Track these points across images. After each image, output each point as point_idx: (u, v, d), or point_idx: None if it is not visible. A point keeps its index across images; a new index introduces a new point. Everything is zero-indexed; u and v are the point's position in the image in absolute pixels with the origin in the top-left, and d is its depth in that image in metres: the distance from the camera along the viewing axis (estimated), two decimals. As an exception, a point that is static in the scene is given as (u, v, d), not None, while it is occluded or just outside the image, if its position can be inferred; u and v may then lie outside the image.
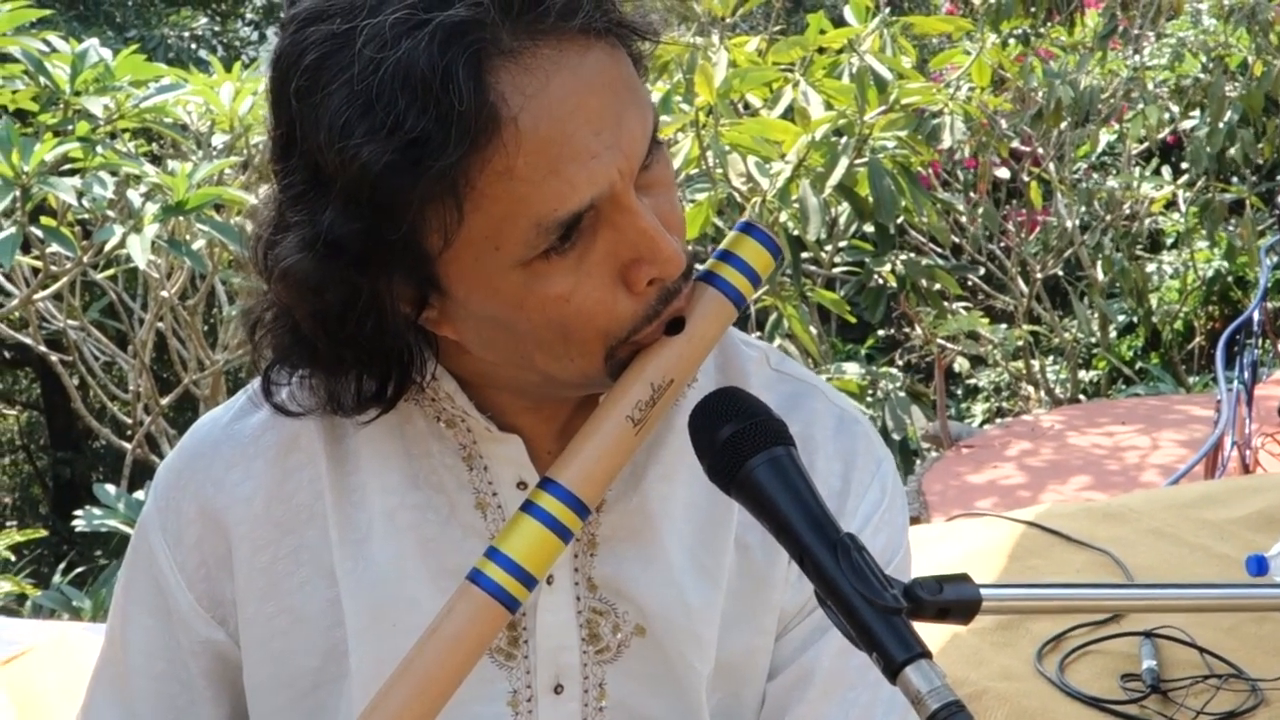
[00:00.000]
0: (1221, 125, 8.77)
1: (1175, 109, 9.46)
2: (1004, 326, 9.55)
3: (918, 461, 7.00)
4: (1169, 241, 10.84)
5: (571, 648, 1.43)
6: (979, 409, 10.32)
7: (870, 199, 7.17)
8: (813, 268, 7.99)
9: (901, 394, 7.76)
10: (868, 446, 1.48)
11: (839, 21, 6.98)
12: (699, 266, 1.37)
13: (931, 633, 2.55)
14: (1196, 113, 9.42)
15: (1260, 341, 6.36)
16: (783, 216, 7.04)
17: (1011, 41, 8.80)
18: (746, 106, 7.26)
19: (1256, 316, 6.21)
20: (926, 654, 1.06)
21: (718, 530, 1.43)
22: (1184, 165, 9.89)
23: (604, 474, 1.30)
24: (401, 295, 1.27)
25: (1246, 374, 5.90)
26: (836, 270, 8.30)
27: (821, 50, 6.79)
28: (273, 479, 1.44)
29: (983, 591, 1.14)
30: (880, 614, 1.07)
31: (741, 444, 1.19)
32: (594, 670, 1.43)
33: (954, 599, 1.11)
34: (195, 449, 1.48)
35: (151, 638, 1.49)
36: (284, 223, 1.25)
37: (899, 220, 8.37)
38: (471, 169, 1.17)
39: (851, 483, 1.45)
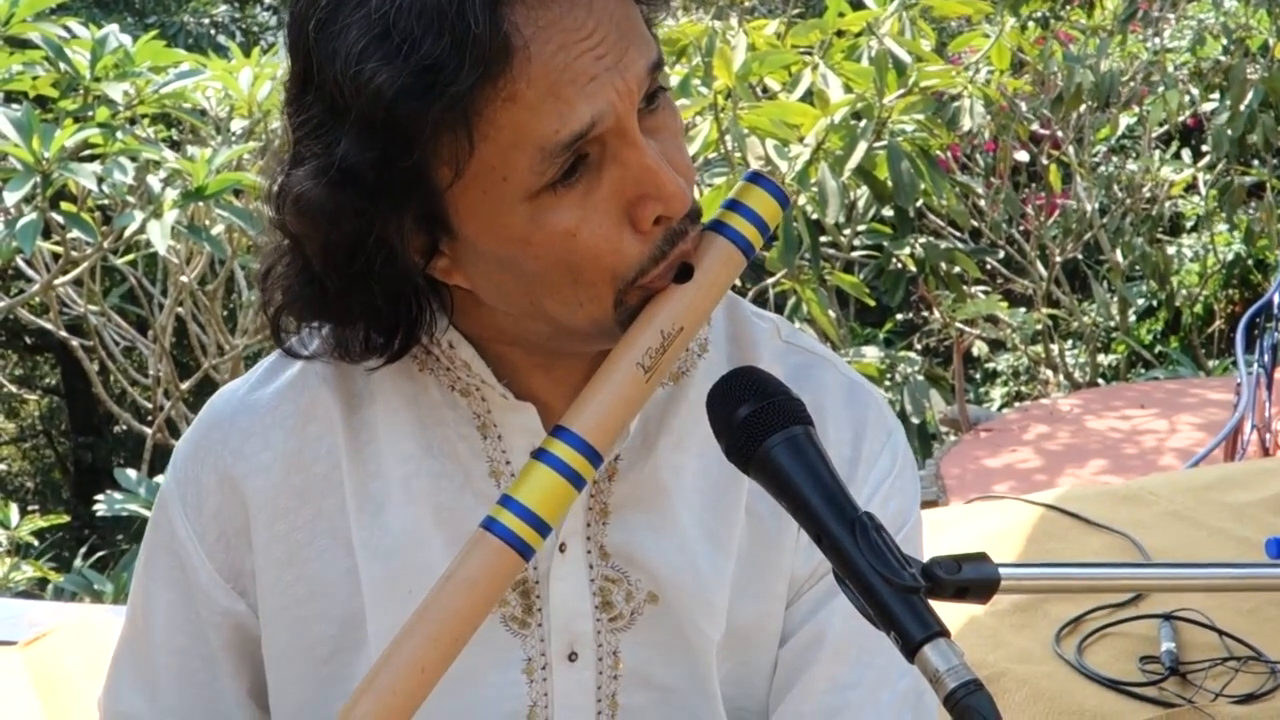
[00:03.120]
0: (1242, 108, 8.72)
1: (1195, 92, 9.42)
2: (1023, 310, 9.54)
3: (936, 445, 7.00)
4: (1189, 225, 10.80)
5: (585, 615, 1.44)
6: (998, 393, 10.29)
7: (889, 182, 7.16)
8: (832, 251, 7.98)
9: (920, 378, 7.76)
10: (879, 416, 1.49)
11: (858, 4, 6.96)
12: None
13: (950, 615, 2.55)
14: (1216, 96, 9.37)
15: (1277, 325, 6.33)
16: (801, 199, 7.03)
17: (1031, 24, 8.77)
18: (765, 90, 7.25)
19: (1277, 299, 6.18)
20: (945, 633, 1.06)
21: (728, 498, 1.44)
22: (1204, 148, 9.84)
23: (615, 421, 1.31)
24: (412, 240, 1.28)
25: (1266, 357, 5.87)
26: (855, 254, 8.29)
27: (840, 33, 6.77)
28: (290, 448, 1.45)
29: (1001, 571, 1.14)
30: (898, 593, 1.07)
31: (759, 424, 1.19)
32: (608, 638, 1.44)
33: (972, 578, 1.11)
34: (213, 420, 1.50)
35: (173, 612, 1.50)
36: (299, 158, 1.27)
37: (918, 204, 8.36)
38: (481, 97, 1.19)
39: (862, 451, 1.46)
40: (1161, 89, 9.18)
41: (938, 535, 3.03)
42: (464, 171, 1.23)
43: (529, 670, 1.44)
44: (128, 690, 1.54)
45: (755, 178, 1.37)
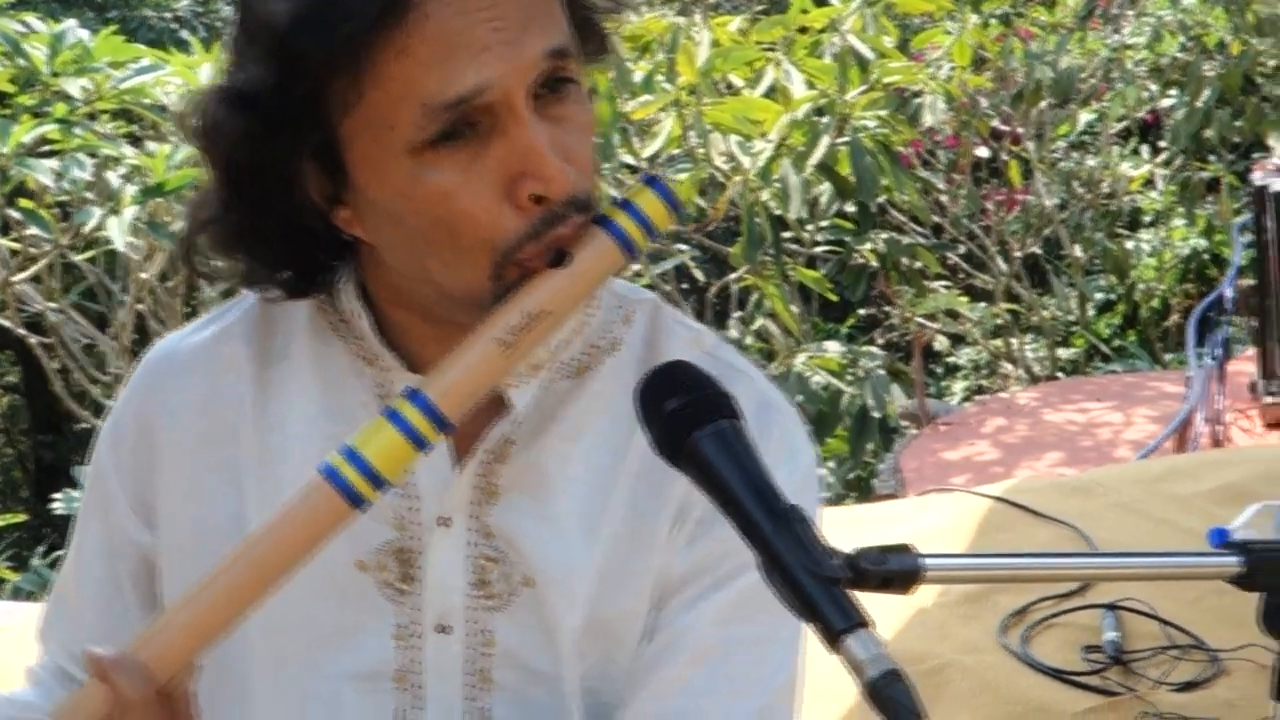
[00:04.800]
0: (1199, 104, 8.79)
1: (1154, 88, 9.48)
2: (983, 305, 9.59)
3: (896, 439, 7.04)
4: (1147, 220, 10.87)
5: (458, 589, 1.46)
6: (959, 387, 10.34)
7: (851, 178, 7.18)
8: (794, 246, 8.00)
9: (881, 372, 7.78)
10: (783, 434, 1.49)
11: (821, 1, 6.98)
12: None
13: (897, 607, 2.58)
14: (1175, 92, 9.44)
15: (1232, 318, 6.39)
16: (764, 195, 7.05)
17: (993, 21, 8.82)
18: (729, 86, 7.26)
19: (1229, 294, 6.24)
20: (866, 623, 1.08)
21: (612, 493, 1.46)
22: (1162, 144, 9.92)
23: (466, 390, 1.33)
24: (313, 180, 1.35)
25: (1218, 351, 5.93)
26: (818, 249, 8.31)
27: (804, 30, 6.78)
28: (203, 394, 1.52)
29: (929, 562, 1.16)
30: (822, 584, 1.09)
31: (687, 416, 1.21)
32: (480, 615, 1.46)
33: (896, 569, 1.13)
34: (145, 364, 1.59)
35: (96, 541, 1.58)
36: (215, 87, 1.36)
37: (880, 199, 8.39)
38: (376, 44, 1.25)
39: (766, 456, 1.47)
40: (1120, 85, 9.24)
41: (889, 528, 3.06)
42: (354, 114, 1.29)
43: (400, 636, 1.47)
44: (53, 619, 1.64)
45: (650, 180, 1.40)
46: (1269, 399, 5.83)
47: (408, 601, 1.47)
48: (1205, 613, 2.16)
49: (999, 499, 2.96)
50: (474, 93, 1.27)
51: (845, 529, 2.95)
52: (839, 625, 1.06)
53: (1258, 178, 6.62)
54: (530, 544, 1.46)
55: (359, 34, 1.24)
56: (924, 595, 2.53)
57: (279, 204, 1.35)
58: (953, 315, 9.17)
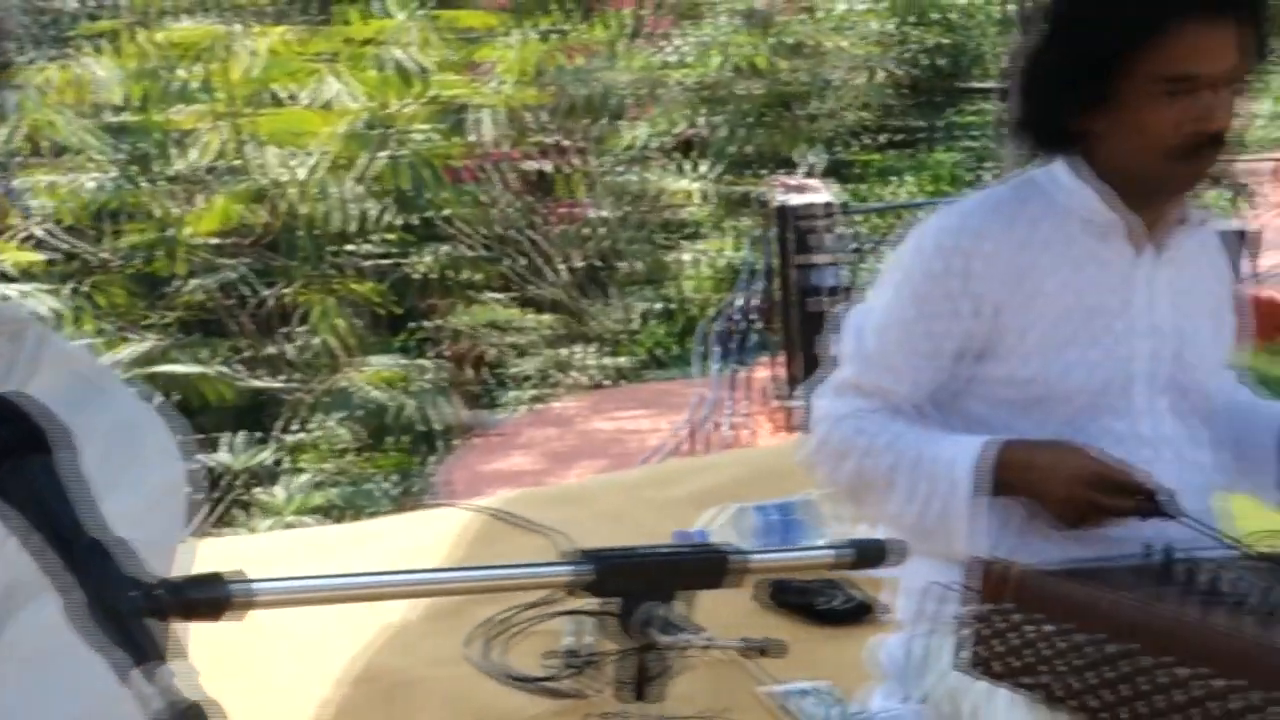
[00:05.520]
0: (739, 121, 9.22)
1: (699, 106, 9.86)
2: (539, 316, 9.76)
3: (446, 452, 7.10)
4: (694, 232, 11.26)
5: None
6: (516, 397, 10.46)
7: (404, 191, 7.18)
8: (347, 260, 7.94)
9: (436, 384, 7.83)
10: (138, 456, 1.48)
11: (378, 14, 6.97)
12: None
13: (367, 622, 2.59)
14: (717, 110, 9.85)
15: (754, 326, 6.73)
16: (311, 209, 6.98)
17: (551, 38, 9.02)
18: (275, 98, 7.14)
19: (744, 302, 6.57)
20: (160, 658, 1.08)
21: None
22: (705, 159, 10.30)
23: None
24: None
25: (741, 357, 6.25)
26: (372, 263, 8.28)
27: (359, 42, 6.77)
28: None
29: (238, 589, 1.16)
30: (118, 617, 1.09)
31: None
32: None
33: (198, 597, 1.14)
34: None
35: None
36: None
37: (435, 212, 8.44)
38: None
39: (105, 481, 1.46)
40: (666, 102, 9.58)
41: (370, 545, 3.06)
42: None
43: None
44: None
45: None
46: (784, 402, 6.16)
47: None
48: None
49: (488, 511, 3.02)
50: None
51: (328, 551, 2.94)
52: (129, 659, 1.07)
53: (775, 194, 7.01)
54: None
55: None
56: (393, 611, 2.57)
57: None
58: (509, 327, 9.30)
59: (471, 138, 7.49)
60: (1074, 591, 1.68)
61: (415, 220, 8.34)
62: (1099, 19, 1.94)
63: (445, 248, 8.74)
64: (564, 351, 9.90)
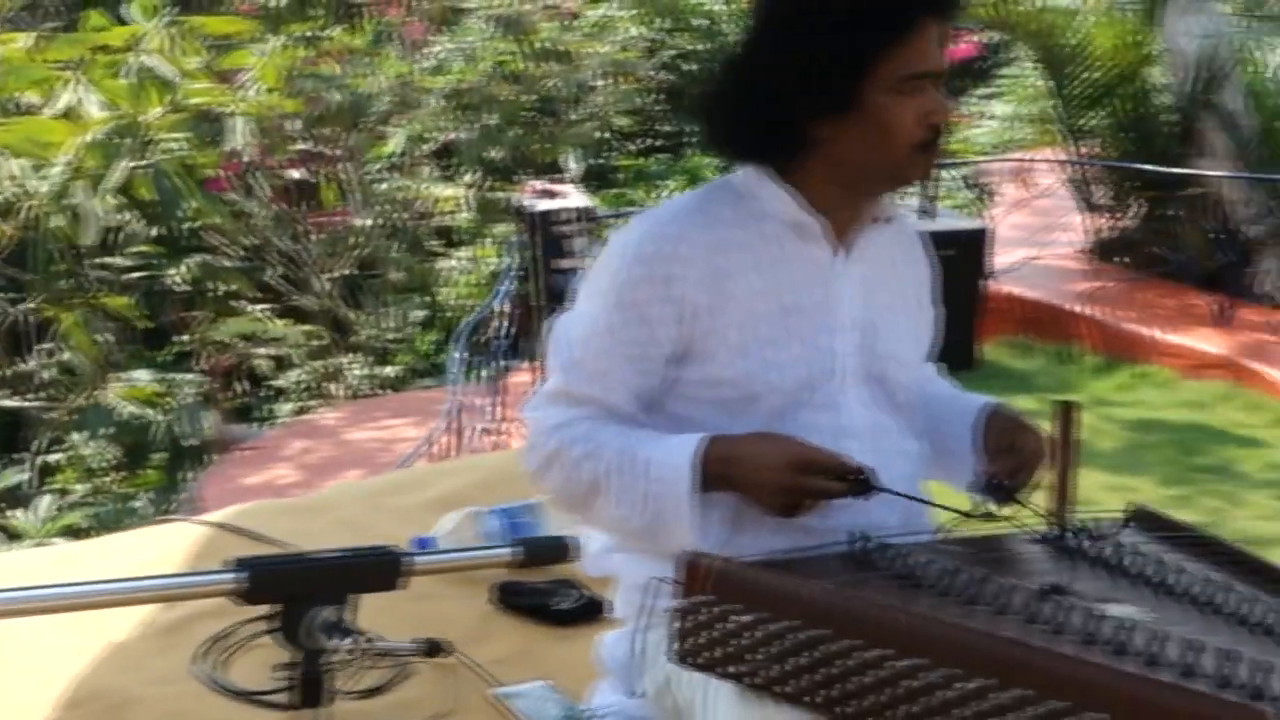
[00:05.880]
0: (498, 128, 9.25)
1: (457, 113, 9.85)
2: (304, 326, 9.62)
3: (204, 467, 6.98)
4: (460, 239, 11.24)
5: None
6: (284, 409, 10.29)
7: (155, 202, 7.04)
8: (101, 273, 7.74)
9: (195, 399, 7.68)
10: None
11: (123, 20, 6.80)
12: None
13: (90, 641, 2.55)
14: (475, 116, 9.85)
15: (507, 333, 6.78)
16: (58, 221, 6.80)
17: (305, 44, 8.91)
18: (19, 106, 6.94)
19: (501, 307, 6.61)
20: None
21: None
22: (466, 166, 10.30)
23: None
24: None
25: (496, 363, 6.28)
26: (129, 276, 8.08)
27: (104, 48, 6.59)
28: None
29: None
30: None
31: None
32: None
33: None
34: None
35: None
36: None
37: (191, 223, 8.27)
38: None
39: None
40: (421, 108, 9.55)
41: (90, 563, 3.01)
42: None
43: None
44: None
45: None
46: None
47: None
48: (397, 619, 2.29)
49: (218, 525, 2.99)
50: None
51: (37, 572, 2.87)
52: None
53: (524, 199, 7.07)
54: None
55: None
56: (119, 628, 2.53)
57: None
58: (272, 339, 9.16)
59: (232, 145, 7.37)
60: (770, 581, 1.74)
61: (174, 232, 8.18)
62: (833, 28, 1.97)
63: (200, 258, 8.56)
64: (331, 362, 9.79)
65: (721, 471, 1.95)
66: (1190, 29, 8.67)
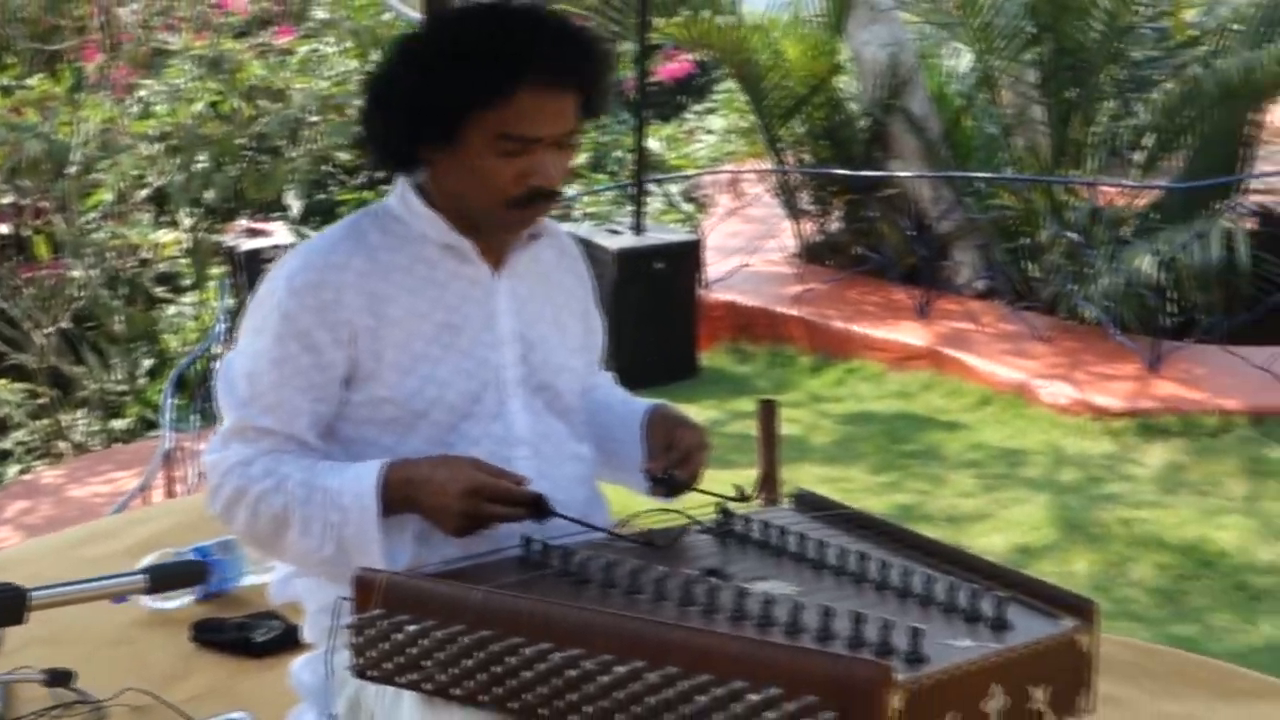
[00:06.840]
0: (210, 169, 9.11)
1: (165, 156, 9.67)
2: (24, 385, 9.35)
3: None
4: (184, 285, 11.02)
5: None
6: (11, 471, 9.97)
7: None
8: None
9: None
10: None
11: None
12: None
13: None
14: (185, 158, 9.68)
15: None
16: None
17: (12, 94, 8.67)
18: None
19: (217, 349, 6.56)
20: None
21: None
22: (182, 210, 10.12)
23: None
24: None
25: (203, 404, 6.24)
26: None
27: None
28: None
29: None
30: None
31: None
32: None
33: None
34: None
35: None
36: None
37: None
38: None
39: None
40: (122, 154, 9.33)
41: None
42: None
43: None
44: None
45: None
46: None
47: None
48: (94, 664, 2.28)
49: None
50: None
51: None
52: None
53: (229, 239, 7.04)
54: None
55: None
56: None
57: None
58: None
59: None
60: (437, 590, 1.82)
61: None
62: (449, 70, 2.02)
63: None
64: (55, 420, 9.51)
65: (404, 494, 2.01)
66: (874, 38, 9.06)
